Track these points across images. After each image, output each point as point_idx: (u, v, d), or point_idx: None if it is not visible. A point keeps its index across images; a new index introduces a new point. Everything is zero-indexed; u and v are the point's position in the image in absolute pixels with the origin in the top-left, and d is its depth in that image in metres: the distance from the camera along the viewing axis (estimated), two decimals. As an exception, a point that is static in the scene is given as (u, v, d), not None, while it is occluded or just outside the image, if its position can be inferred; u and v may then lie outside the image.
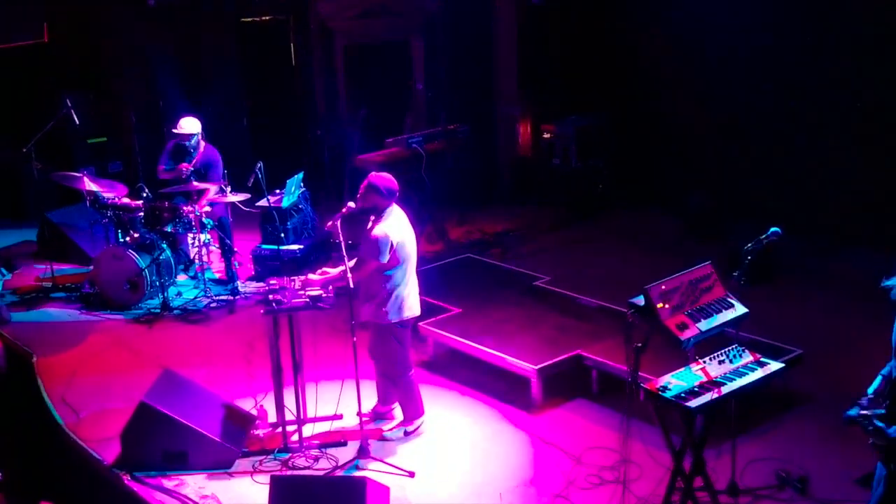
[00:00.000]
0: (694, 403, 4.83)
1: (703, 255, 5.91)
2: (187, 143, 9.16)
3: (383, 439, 6.51)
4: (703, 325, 5.29)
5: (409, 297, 6.38)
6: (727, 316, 5.39)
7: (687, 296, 5.36)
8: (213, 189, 9.00)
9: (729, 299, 5.47)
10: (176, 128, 9.18)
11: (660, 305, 5.21)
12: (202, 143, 9.29)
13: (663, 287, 5.27)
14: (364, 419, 6.44)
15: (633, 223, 10.87)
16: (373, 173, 6.36)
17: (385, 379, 6.67)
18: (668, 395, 4.91)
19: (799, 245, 8.66)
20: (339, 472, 6.10)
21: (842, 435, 5.91)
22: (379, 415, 6.79)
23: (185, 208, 8.89)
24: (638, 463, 5.87)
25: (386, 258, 6.15)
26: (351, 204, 6.32)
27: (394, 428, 6.61)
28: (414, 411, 6.57)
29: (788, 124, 9.82)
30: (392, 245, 6.14)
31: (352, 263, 6.15)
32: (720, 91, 10.41)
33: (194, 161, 9.20)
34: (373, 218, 6.27)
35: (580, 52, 11.65)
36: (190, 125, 9.15)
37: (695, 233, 10.14)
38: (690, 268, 5.49)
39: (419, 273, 6.67)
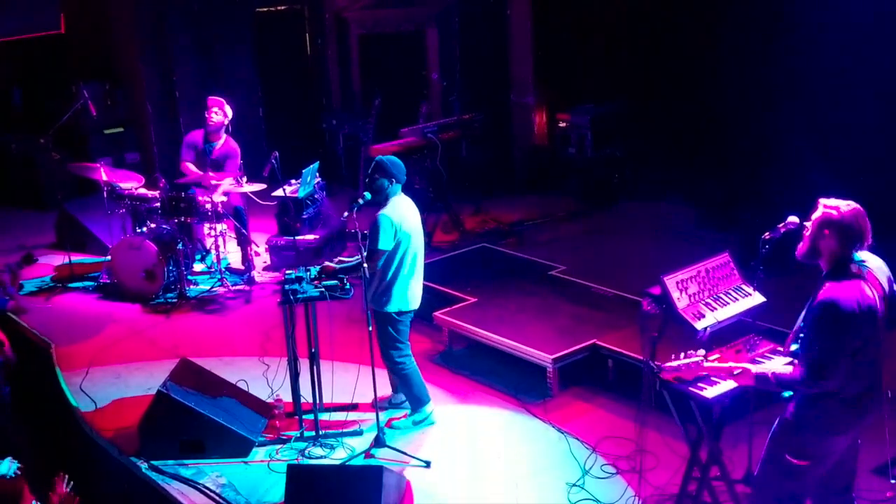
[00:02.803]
0: (710, 393, 4.82)
1: (719, 245, 5.88)
2: (213, 113, 9.14)
3: (395, 428, 6.53)
4: (720, 314, 5.27)
5: (411, 289, 6.35)
6: (744, 305, 5.37)
7: (703, 285, 5.34)
8: (228, 179, 9.04)
9: (745, 288, 5.45)
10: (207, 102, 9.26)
11: (676, 294, 5.19)
12: (223, 136, 9.31)
13: (679, 276, 5.26)
14: (380, 408, 6.46)
15: (649, 212, 10.82)
16: (380, 156, 6.36)
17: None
18: (684, 384, 4.89)
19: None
20: (355, 461, 6.13)
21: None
22: (394, 404, 6.81)
23: (201, 198, 8.92)
24: (654, 452, 5.87)
25: (390, 244, 6.12)
26: (367, 194, 6.32)
27: (401, 417, 6.63)
28: (417, 400, 6.56)
29: (804, 111, 9.75)
30: (395, 231, 6.11)
31: (367, 254, 6.16)
32: (736, 79, 10.33)
33: (214, 153, 9.23)
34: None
35: (595, 41, 11.60)
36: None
37: (711, 222, 10.09)
38: (707, 257, 5.47)
39: (434, 263, 6.67)
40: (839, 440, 4.40)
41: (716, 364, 4.70)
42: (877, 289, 4.32)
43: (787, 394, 4.46)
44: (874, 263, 4.41)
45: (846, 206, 4.32)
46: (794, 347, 4.54)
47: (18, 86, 12.46)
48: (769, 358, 5.07)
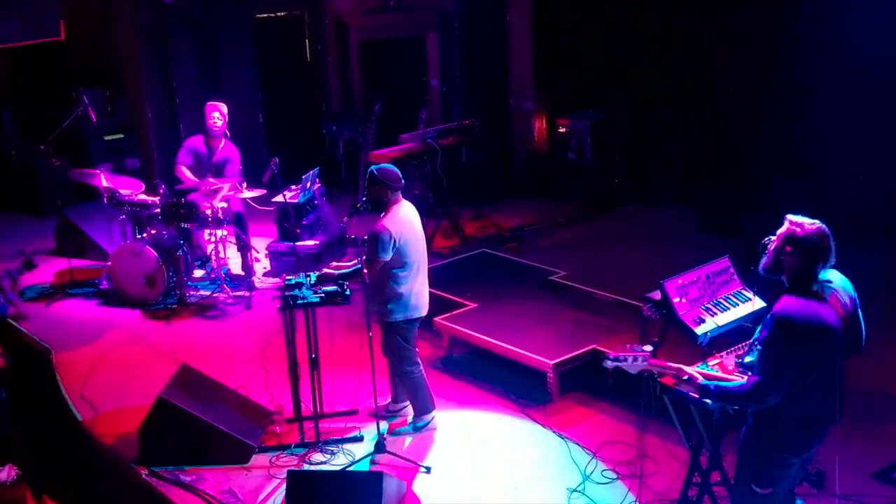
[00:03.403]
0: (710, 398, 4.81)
1: (720, 249, 5.88)
2: (214, 119, 9.15)
3: (396, 434, 6.52)
4: (720, 319, 5.27)
5: (416, 297, 6.33)
6: (744, 310, 5.36)
7: (704, 290, 5.34)
8: (228, 185, 9.04)
9: (746, 293, 5.44)
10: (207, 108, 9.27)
11: (676, 299, 5.19)
12: (223, 141, 9.32)
13: (680, 281, 5.26)
14: (380, 414, 6.45)
15: (649, 217, 10.83)
16: (374, 165, 6.37)
17: (394, 375, 6.68)
18: (684, 389, 4.88)
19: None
20: (356, 467, 6.12)
21: (860, 429, 5.88)
22: (393, 410, 6.80)
23: (201, 204, 8.92)
24: (654, 458, 5.86)
25: (388, 255, 6.10)
26: (365, 200, 6.32)
27: (404, 424, 6.63)
28: (422, 407, 6.56)
29: (804, 116, 9.75)
30: (394, 242, 6.11)
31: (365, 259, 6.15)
32: (737, 84, 10.34)
33: (215, 157, 9.23)
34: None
35: (596, 46, 11.61)
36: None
37: (712, 227, 10.10)
38: (707, 262, 5.47)
39: (434, 269, 6.66)
40: (795, 460, 4.41)
41: (665, 362, 4.61)
42: (839, 310, 4.29)
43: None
44: (839, 283, 4.38)
45: (810, 223, 4.28)
46: (748, 360, 4.55)
47: (11, 108, 12.46)
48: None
